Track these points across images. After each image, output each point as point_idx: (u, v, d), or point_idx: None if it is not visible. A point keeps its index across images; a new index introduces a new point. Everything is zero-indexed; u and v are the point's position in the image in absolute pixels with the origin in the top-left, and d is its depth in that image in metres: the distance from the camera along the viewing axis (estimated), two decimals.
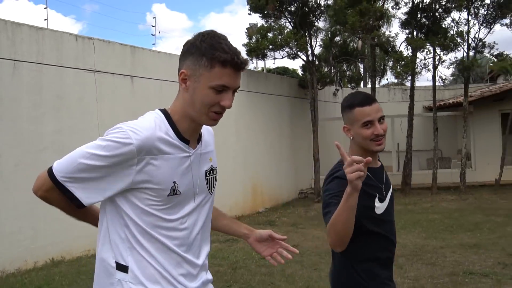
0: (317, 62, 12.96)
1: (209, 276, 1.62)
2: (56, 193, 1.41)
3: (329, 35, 13.54)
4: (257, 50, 11.60)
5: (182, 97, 1.46)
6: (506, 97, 12.88)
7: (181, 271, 1.48)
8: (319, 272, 5.47)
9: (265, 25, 12.16)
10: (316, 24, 12.68)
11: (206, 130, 1.62)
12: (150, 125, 1.41)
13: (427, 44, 12.24)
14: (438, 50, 12.65)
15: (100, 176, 1.36)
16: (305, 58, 12.23)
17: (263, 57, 12.38)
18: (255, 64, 12.48)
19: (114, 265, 1.44)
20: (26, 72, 6.39)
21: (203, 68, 1.38)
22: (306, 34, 12.17)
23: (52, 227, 6.45)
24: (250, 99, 10.87)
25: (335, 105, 16.03)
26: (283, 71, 16.01)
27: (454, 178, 12.90)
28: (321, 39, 13.54)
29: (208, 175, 1.56)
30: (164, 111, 1.48)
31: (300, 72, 13.61)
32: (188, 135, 1.47)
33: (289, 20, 12.25)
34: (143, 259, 1.43)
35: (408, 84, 14.31)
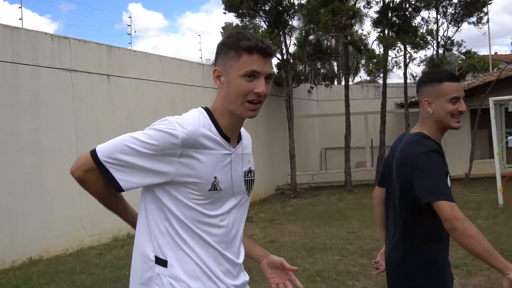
0: (291, 61, 13.15)
1: (247, 277, 1.62)
2: (96, 174, 1.41)
3: (303, 34, 13.76)
4: None
5: (219, 95, 1.49)
6: (474, 94, 13.32)
7: (221, 268, 1.48)
8: (296, 266, 5.61)
9: (240, 25, 12.27)
10: (290, 23, 12.88)
11: (244, 134, 1.64)
12: (195, 120, 1.44)
13: (398, 42, 12.58)
14: (408, 48, 13.02)
15: (143, 163, 1.37)
16: (280, 57, 12.40)
17: None
18: None
19: (154, 258, 1.44)
20: (1, 72, 6.35)
21: (232, 59, 1.42)
22: (281, 33, 12.35)
23: (30, 226, 6.45)
24: None
25: (310, 103, 16.29)
26: None
27: None
28: (296, 38, 13.75)
29: (246, 176, 1.57)
30: (207, 109, 1.50)
31: (275, 70, 13.75)
32: (229, 132, 1.49)
33: (264, 19, 12.41)
34: (184, 253, 1.43)
35: (381, 81, 14.65)
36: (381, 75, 13.50)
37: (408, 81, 13.65)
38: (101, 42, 8.14)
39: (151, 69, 9.00)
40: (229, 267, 1.51)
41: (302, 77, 13.48)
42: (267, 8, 12.26)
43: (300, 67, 14.48)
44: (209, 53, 25.63)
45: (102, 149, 1.40)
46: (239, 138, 1.57)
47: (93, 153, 1.40)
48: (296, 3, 12.67)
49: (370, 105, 14.86)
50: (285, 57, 12.43)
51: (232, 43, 1.43)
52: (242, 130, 1.64)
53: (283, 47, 12.25)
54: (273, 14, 12.01)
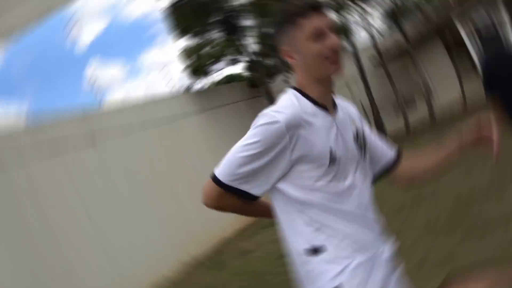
0: (259, 59, 13.13)
1: (393, 246, 1.56)
2: (228, 197, 1.43)
3: (259, 30, 13.77)
4: (199, 69, 11.70)
5: (298, 70, 1.49)
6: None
7: (369, 235, 1.46)
8: None
9: (198, 43, 12.26)
10: (244, 24, 12.87)
11: (343, 102, 1.60)
12: (290, 102, 1.43)
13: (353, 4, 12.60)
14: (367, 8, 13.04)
15: (260, 163, 1.37)
16: (247, 59, 12.38)
17: (206, 74, 12.49)
18: (202, 84, 12.52)
19: (306, 252, 1.42)
20: None
21: (292, 32, 1.43)
22: (239, 37, 12.33)
23: None
24: (207, 118, 10.96)
25: None
26: (230, 79, 16.17)
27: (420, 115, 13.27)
28: (253, 36, 13.73)
29: (356, 140, 1.53)
30: (294, 88, 1.50)
31: (247, 73, 13.74)
32: (322, 100, 1.47)
33: (220, 30, 12.39)
34: (331, 236, 1.41)
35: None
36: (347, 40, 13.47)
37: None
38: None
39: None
40: (374, 233, 1.48)
41: (274, 70, 13.44)
42: (220, 18, 12.24)
43: (269, 62, 14.47)
44: (177, 80, 25.60)
45: (222, 172, 1.41)
46: (334, 104, 1.53)
47: (215, 179, 1.42)
48: (245, 3, 12.65)
49: (347, 74, 14.80)
50: (251, 58, 12.41)
51: (284, 19, 1.45)
52: (340, 99, 1.61)
53: (246, 49, 12.22)
54: (227, 22, 12.00)
